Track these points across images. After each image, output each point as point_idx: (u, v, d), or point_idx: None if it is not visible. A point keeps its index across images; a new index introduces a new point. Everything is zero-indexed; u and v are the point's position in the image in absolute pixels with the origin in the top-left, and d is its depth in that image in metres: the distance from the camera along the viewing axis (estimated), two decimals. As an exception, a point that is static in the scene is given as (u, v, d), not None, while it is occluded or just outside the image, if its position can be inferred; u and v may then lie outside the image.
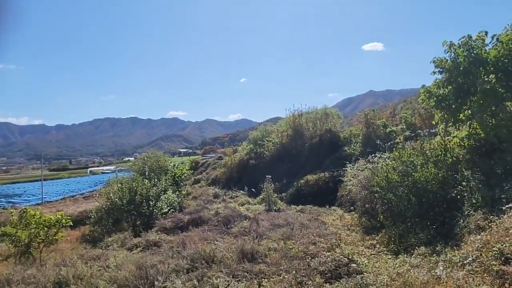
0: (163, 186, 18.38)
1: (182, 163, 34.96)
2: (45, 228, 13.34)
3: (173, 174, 22.83)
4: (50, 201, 51.55)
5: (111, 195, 15.93)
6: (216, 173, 31.18)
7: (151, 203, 15.82)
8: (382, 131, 18.68)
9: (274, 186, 17.36)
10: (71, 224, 14.82)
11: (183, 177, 24.38)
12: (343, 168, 15.99)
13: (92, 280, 6.92)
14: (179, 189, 22.09)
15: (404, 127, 17.62)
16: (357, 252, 7.88)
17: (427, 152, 10.24)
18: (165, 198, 17.38)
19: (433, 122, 11.48)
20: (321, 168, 19.29)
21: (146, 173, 20.46)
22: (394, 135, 17.19)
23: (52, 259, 10.92)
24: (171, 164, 24.73)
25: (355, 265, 6.74)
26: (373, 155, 13.21)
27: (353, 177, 13.57)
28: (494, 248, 5.34)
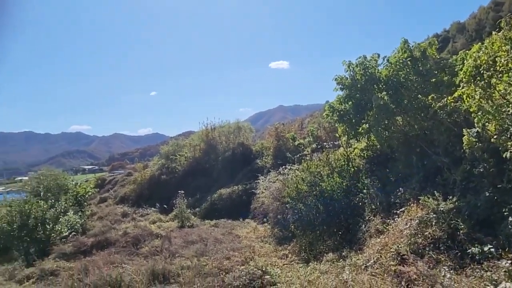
0: (62, 207, 16.60)
1: (86, 181, 32.14)
2: None
3: (75, 193, 20.79)
4: None
5: (-3, 220, 13.86)
6: (125, 190, 29.31)
7: (48, 226, 14.14)
8: (291, 144, 19.52)
9: (187, 202, 16.91)
10: None
11: (87, 196, 22.36)
12: (256, 181, 16.24)
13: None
14: (82, 209, 20.18)
15: (311, 139, 18.65)
16: (270, 264, 7.97)
17: (332, 163, 10.93)
18: (65, 220, 15.70)
19: (337, 135, 12.33)
20: (235, 181, 19.37)
21: (41, 193, 18.32)
22: (302, 147, 18.07)
23: None
24: (73, 183, 22.50)
25: (268, 276, 6.79)
26: (283, 167, 13.67)
27: (265, 189, 13.85)
28: (391, 250, 5.83)
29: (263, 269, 7.09)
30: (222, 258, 8.25)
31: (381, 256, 5.91)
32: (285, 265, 8.15)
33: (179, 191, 16.25)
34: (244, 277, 6.64)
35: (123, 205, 24.76)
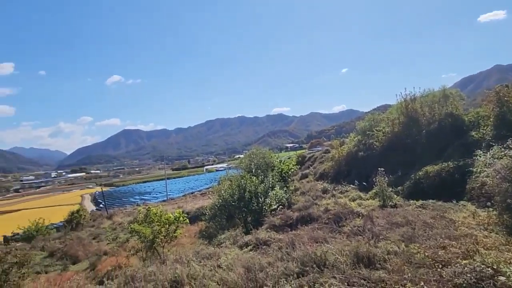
0: (270, 182, 18.39)
1: (289, 158, 34.80)
2: (166, 225, 14.42)
3: (279, 170, 22.77)
4: (173, 198, 57.69)
5: (222, 192, 16.51)
6: (324, 167, 30.23)
7: (260, 199, 15.92)
8: (521, 110, 15.55)
9: (387, 179, 15.84)
10: (188, 221, 15.82)
11: (290, 172, 24.17)
12: (472, 157, 13.73)
13: (204, 281, 6.96)
14: (287, 185, 21.93)
15: (554, 102, 14.36)
16: (504, 260, 6.39)
17: None
18: (273, 194, 17.34)
19: None
20: (443, 158, 16.96)
21: (253, 170, 20.76)
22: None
23: (172, 255, 11.62)
24: (278, 160, 24.70)
25: (503, 278, 5.41)
26: (511, 139, 10.96)
27: (486, 167, 11.47)
28: None
29: (495, 267, 5.72)
30: (436, 247, 7.16)
31: None
32: (526, 265, 6.40)
33: (379, 168, 15.37)
34: (468, 274, 5.49)
35: (322, 181, 25.63)
